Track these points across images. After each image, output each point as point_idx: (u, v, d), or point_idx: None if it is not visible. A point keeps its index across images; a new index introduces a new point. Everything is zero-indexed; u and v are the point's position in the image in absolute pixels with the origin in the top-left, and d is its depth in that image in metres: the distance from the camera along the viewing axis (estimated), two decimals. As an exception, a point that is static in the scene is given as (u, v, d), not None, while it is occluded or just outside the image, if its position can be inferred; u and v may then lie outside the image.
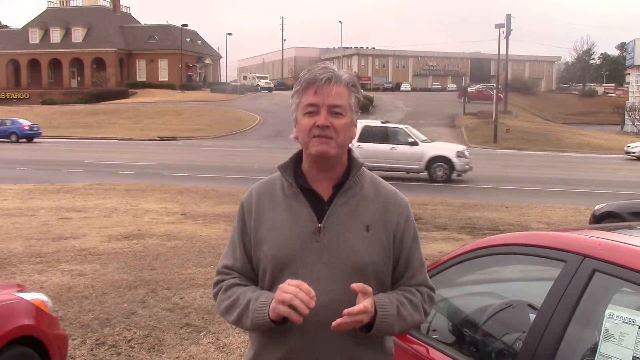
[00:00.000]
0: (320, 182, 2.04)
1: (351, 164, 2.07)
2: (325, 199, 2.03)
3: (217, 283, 2.09)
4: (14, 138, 39.11)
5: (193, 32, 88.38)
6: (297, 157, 2.10)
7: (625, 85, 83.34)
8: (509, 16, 48.92)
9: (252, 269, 2.07)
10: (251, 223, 2.05)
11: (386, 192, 2.09)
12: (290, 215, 2.01)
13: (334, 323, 1.81)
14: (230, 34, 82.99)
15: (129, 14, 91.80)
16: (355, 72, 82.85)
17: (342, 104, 1.98)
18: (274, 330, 1.90)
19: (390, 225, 2.04)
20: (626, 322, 1.97)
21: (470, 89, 69.16)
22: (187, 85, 79.06)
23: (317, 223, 1.99)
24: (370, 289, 1.87)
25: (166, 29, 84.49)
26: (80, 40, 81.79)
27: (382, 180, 2.15)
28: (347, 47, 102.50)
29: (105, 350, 5.24)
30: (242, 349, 5.26)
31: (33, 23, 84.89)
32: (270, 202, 2.05)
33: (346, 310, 1.81)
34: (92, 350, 5.23)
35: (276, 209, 2.04)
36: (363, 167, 2.09)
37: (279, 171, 2.09)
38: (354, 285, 1.85)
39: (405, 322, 1.99)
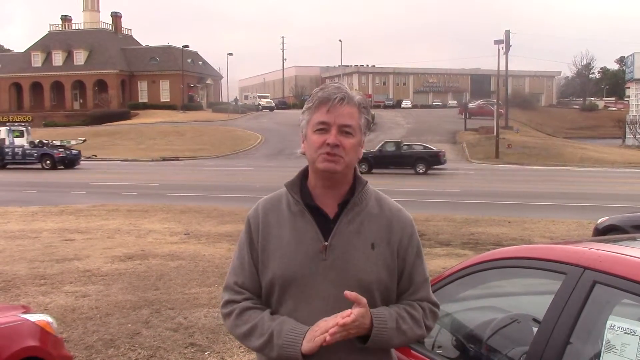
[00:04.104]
0: (325, 200, 2.06)
1: (356, 182, 2.10)
2: (331, 216, 2.05)
3: (227, 303, 2.09)
4: None
5: (194, 53, 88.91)
6: (303, 175, 2.12)
7: (626, 99, 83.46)
8: (507, 32, 49.22)
9: (261, 286, 2.09)
10: (258, 240, 2.07)
11: (390, 209, 2.11)
12: (297, 233, 2.03)
13: (328, 336, 1.84)
14: (231, 54, 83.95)
15: (131, 36, 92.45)
16: (355, 89, 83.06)
17: (352, 124, 2.01)
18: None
19: (394, 242, 2.06)
20: (627, 333, 1.98)
21: (471, 105, 69.30)
22: (189, 105, 79.35)
23: (323, 241, 2.01)
24: (364, 299, 1.89)
25: (167, 50, 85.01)
26: (82, 63, 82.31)
27: (387, 197, 2.16)
28: (348, 66, 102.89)
29: (110, 371, 5.23)
30: (246, 368, 5.25)
31: (35, 46, 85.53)
32: (277, 219, 2.07)
33: (340, 322, 1.84)
34: (96, 371, 5.23)
35: (282, 226, 2.05)
36: (368, 184, 2.11)
37: (285, 188, 2.11)
38: (347, 293, 1.87)
39: (406, 335, 2.01)
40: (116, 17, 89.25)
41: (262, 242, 2.06)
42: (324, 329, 1.86)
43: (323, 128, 2.00)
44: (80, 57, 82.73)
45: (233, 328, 2.07)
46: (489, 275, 2.85)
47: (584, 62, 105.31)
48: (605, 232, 9.39)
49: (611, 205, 17.30)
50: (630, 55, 67.13)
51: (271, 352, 1.96)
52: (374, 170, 31.84)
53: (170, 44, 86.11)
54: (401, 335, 1.99)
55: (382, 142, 35.02)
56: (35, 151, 36.38)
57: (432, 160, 32.07)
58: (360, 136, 2.05)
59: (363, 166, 31.53)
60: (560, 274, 2.33)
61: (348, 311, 1.87)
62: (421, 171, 31.62)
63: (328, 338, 1.83)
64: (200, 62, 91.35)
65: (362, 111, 2.05)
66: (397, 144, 33.83)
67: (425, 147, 34.13)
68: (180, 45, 78.48)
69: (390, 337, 1.96)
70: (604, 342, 2.04)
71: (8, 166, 36.09)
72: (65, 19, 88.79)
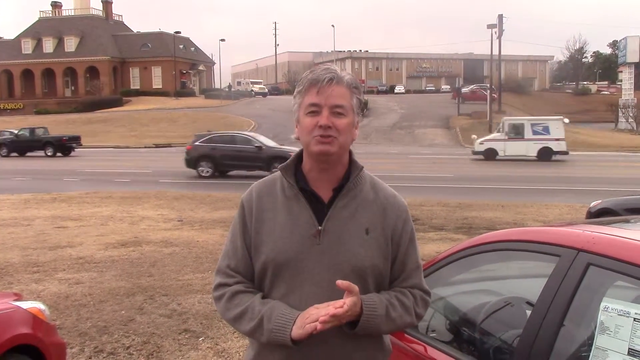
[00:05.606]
0: (320, 184, 2.04)
1: (351, 166, 2.08)
2: (326, 201, 2.03)
3: (219, 286, 2.08)
4: None
5: (186, 39, 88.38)
6: (298, 158, 2.10)
7: (618, 83, 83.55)
8: (500, 16, 49.14)
9: (254, 269, 2.07)
10: (252, 223, 2.05)
11: (385, 195, 2.09)
12: (291, 217, 2.01)
13: (319, 325, 1.81)
14: (223, 40, 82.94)
15: (122, 22, 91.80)
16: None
17: (343, 104, 1.98)
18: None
19: (388, 228, 2.05)
20: (621, 315, 1.97)
21: (464, 90, 69.30)
22: (181, 92, 79.04)
23: (317, 226, 1.99)
24: (356, 287, 1.87)
25: (159, 36, 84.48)
26: (73, 50, 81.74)
27: (382, 182, 2.15)
28: (340, 51, 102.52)
29: (104, 357, 5.23)
30: (240, 354, 5.25)
31: (26, 33, 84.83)
32: (271, 202, 2.05)
33: (331, 312, 1.81)
34: (90, 358, 5.22)
35: (277, 210, 2.03)
36: (364, 169, 2.09)
37: (279, 171, 2.09)
38: (339, 282, 1.86)
39: (395, 323, 2.00)
40: (107, 3, 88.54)
41: (255, 226, 2.04)
42: (315, 317, 1.84)
43: (314, 110, 1.98)
44: (71, 43, 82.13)
45: (224, 311, 2.05)
46: (482, 258, 2.85)
47: (577, 47, 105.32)
48: (598, 215, 9.41)
49: (604, 188, 17.36)
50: (623, 39, 67.18)
51: (261, 336, 1.95)
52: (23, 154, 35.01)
53: (161, 30, 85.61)
54: (390, 322, 1.98)
55: (19, 129, 38.79)
56: None
57: (57, 145, 34.98)
58: (353, 116, 2.02)
59: (3, 151, 34.63)
60: (554, 257, 2.32)
61: (341, 301, 1.84)
62: (50, 154, 34.44)
63: (319, 327, 1.81)
64: (192, 49, 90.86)
65: (353, 91, 2.03)
66: (32, 130, 36.95)
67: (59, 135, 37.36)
68: (172, 32, 78.01)
69: (379, 324, 1.95)
70: (597, 324, 2.03)
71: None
72: (56, 5, 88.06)
